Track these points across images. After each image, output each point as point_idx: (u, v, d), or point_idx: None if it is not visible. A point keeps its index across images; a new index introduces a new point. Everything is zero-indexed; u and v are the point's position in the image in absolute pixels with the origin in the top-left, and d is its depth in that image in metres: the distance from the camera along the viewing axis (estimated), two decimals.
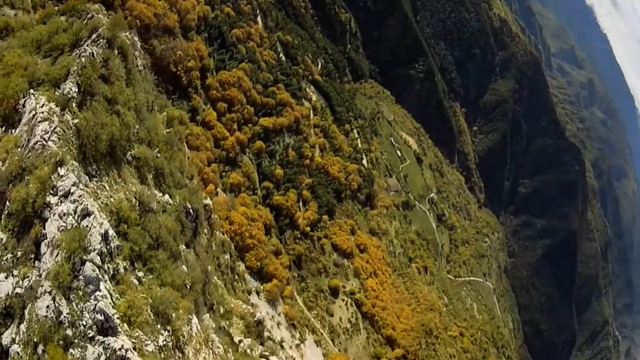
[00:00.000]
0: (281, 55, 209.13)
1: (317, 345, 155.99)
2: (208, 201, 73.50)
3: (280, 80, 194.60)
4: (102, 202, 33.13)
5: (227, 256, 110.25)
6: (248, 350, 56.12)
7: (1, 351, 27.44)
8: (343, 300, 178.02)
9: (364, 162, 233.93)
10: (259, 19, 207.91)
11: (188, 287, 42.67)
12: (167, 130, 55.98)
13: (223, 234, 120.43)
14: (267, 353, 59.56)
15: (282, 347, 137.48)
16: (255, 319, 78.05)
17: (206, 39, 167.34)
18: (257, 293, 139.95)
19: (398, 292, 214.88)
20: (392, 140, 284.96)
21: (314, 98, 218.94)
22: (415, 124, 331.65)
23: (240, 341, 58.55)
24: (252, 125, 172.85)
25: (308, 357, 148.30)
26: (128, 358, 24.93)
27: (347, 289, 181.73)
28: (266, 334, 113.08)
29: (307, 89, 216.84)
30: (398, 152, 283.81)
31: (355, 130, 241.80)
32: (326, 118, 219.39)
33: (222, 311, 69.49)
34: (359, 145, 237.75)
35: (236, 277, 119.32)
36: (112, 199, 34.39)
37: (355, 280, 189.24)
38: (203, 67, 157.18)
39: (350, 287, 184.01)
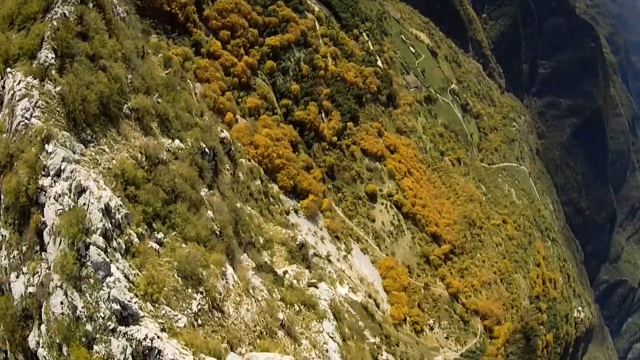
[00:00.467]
0: None
1: (364, 253, 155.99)
2: (225, 134, 70.01)
3: None
4: (104, 168, 29.91)
5: (258, 182, 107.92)
6: (295, 282, 53.97)
7: (30, 354, 25.39)
8: (382, 203, 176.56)
9: (379, 63, 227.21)
10: None
11: (217, 233, 39.77)
12: (166, 72, 52.09)
13: (249, 161, 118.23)
14: (314, 281, 57.48)
15: (329, 261, 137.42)
16: (297, 243, 76.08)
17: None
18: (295, 211, 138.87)
19: (435, 187, 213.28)
20: (403, 37, 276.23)
21: (316, 9, 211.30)
22: (423, 19, 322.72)
23: (285, 272, 56.47)
24: (259, 47, 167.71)
25: (357, 267, 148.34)
26: (156, 347, 22.24)
27: (384, 192, 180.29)
28: (311, 251, 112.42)
29: (308, 1, 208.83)
30: (411, 48, 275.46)
31: (364, 34, 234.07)
32: (333, 26, 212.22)
33: (261, 242, 67.36)
34: (371, 48, 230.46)
35: (271, 199, 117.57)
36: (114, 161, 31.16)
37: (391, 182, 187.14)
38: (197, 0, 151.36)
39: (387, 189, 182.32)
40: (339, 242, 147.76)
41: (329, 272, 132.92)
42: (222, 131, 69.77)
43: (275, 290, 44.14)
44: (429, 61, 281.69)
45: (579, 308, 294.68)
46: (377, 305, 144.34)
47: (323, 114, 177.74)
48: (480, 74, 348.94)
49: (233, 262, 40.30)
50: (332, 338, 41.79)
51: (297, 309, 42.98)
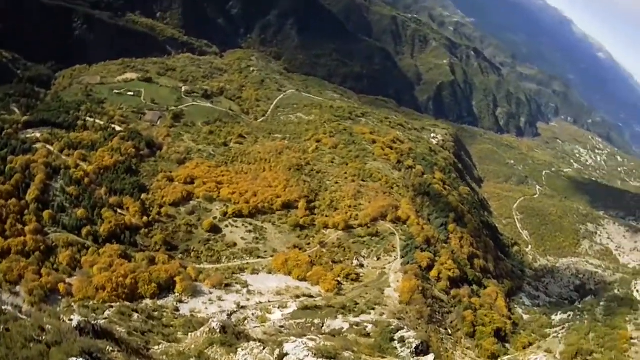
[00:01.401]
0: None
1: (257, 274, 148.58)
2: None
3: None
4: None
5: None
6: None
7: None
8: (227, 225, 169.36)
9: (118, 128, 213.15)
10: None
11: None
12: None
13: None
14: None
15: (243, 308, 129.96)
16: (219, 326, 68.18)
17: None
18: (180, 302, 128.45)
19: (247, 172, 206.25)
20: (116, 91, 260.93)
21: None
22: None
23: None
24: None
25: (265, 287, 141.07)
26: None
27: (218, 216, 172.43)
28: (232, 319, 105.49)
29: None
30: (128, 94, 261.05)
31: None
32: None
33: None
34: (101, 123, 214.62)
35: None
36: None
37: (214, 203, 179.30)
38: None
39: (219, 210, 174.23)
40: (231, 287, 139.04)
41: (251, 318, 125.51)
42: None
43: None
44: (149, 87, 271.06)
45: None
46: (312, 296, 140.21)
47: None
48: (193, 58, 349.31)
49: None
50: None
51: None
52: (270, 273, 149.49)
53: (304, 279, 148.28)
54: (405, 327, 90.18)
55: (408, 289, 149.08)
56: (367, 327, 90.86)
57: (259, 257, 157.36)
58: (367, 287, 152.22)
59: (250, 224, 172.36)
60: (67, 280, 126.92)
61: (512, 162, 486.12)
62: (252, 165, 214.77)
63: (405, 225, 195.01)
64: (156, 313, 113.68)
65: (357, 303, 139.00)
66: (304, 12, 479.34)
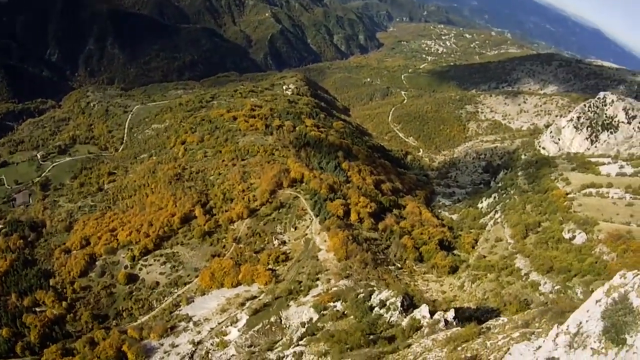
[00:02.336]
0: None
1: (194, 301, 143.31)
2: None
3: None
4: None
5: None
6: None
7: None
8: (140, 268, 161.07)
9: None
10: None
11: None
12: None
13: None
14: None
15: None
16: None
17: None
18: None
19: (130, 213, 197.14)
20: None
21: None
22: None
23: None
24: None
25: (208, 309, 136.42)
26: None
27: (128, 265, 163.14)
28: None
29: None
30: None
31: None
32: None
33: None
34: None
35: None
36: None
37: (123, 251, 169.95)
38: None
39: (125, 256, 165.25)
40: (177, 328, 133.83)
41: (212, 348, 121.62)
42: None
43: None
44: (6, 170, 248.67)
45: None
46: (255, 297, 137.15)
47: None
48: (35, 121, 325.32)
49: None
50: None
51: None
52: (204, 294, 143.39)
53: (238, 284, 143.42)
54: (375, 288, 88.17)
55: (339, 244, 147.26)
56: (335, 306, 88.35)
57: (185, 284, 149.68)
58: (300, 261, 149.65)
59: (161, 255, 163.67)
60: None
61: (369, 79, 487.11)
62: (135, 197, 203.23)
63: (304, 184, 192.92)
64: None
65: (299, 282, 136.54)
66: (117, 27, 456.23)
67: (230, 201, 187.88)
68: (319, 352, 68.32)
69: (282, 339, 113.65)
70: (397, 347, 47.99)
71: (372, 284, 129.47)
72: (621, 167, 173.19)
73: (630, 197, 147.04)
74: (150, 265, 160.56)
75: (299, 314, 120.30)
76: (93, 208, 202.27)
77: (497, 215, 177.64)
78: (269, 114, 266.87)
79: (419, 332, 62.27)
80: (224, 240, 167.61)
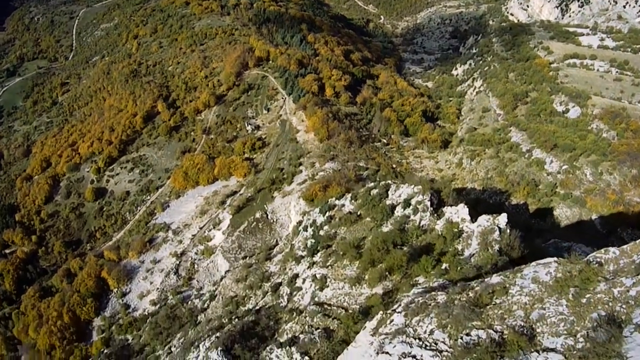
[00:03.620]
0: None
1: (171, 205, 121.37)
2: None
3: None
4: None
5: None
6: None
7: None
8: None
9: None
10: None
11: None
12: None
13: None
14: None
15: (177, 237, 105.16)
16: None
17: None
18: None
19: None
20: None
21: None
22: None
23: None
24: None
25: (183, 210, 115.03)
26: None
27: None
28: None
29: None
30: None
31: None
32: None
33: None
34: None
35: None
36: None
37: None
38: None
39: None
40: (156, 240, 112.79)
41: (196, 258, 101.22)
42: None
43: None
44: None
45: None
46: (235, 192, 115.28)
47: None
48: None
49: None
50: None
51: None
52: (179, 196, 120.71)
53: (214, 179, 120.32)
54: (390, 182, 65.11)
55: (319, 123, 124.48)
56: (343, 206, 66.44)
57: (157, 188, 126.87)
58: (279, 145, 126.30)
59: (127, 161, 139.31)
60: None
61: None
62: (91, 103, 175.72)
63: (271, 62, 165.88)
64: None
65: (281, 169, 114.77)
66: None
67: (193, 90, 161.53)
68: (350, 279, 46.99)
69: (274, 241, 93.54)
70: (481, 293, 25.17)
71: (361, 164, 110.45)
72: (602, 39, 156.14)
73: (617, 72, 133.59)
74: (117, 174, 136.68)
75: (285, 205, 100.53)
76: (50, 125, 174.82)
77: (477, 84, 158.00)
78: None
79: (461, 239, 40.65)
80: (192, 133, 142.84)
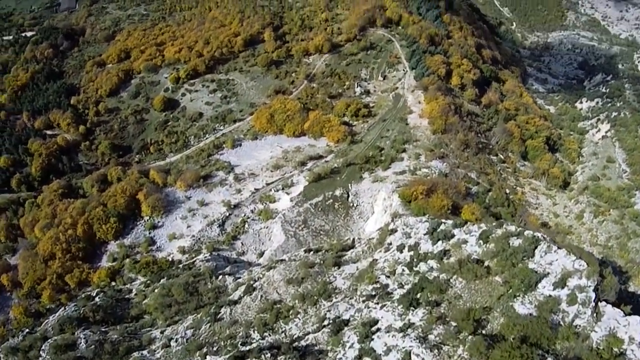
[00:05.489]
0: None
1: (241, 146, 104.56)
2: None
3: None
4: None
5: None
6: None
7: None
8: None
9: None
10: None
11: None
12: None
13: None
14: None
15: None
16: None
17: None
18: None
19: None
20: None
21: None
22: None
23: None
24: None
25: (249, 160, 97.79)
26: None
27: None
28: None
29: None
30: None
31: None
32: None
33: None
34: None
35: None
36: None
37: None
38: None
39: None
40: (212, 179, 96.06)
41: (251, 217, 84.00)
42: None
43: None
44: None
45: None
46: (320, 156, 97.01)
47: None
48: None
49: None
50: None
51: None
52: (256, 138, 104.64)
53: (302, 134, 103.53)
54: (539, 236, 45.29)
55: (438, 111, 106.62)
56: (465, 243, 46.87)
57: (235, 120, 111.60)
58: (386, 121, 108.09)
59: (212, 81, 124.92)
60: (11, 261, 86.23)
61: None
62: (195, 10, 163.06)
63: (400, 27, 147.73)
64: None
65: (381, 149, 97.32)
66: None
67: (309, 30, 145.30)
68: None
69: (349, 238, 75.33)
70: None
71: (472, 175, 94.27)
72: None
73: None
74: (196, 91, 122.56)
75: (373, 192, 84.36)
76: (144, 17, 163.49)
77: (602, 127, 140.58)
78: None
79: None
80: (293, 75, 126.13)
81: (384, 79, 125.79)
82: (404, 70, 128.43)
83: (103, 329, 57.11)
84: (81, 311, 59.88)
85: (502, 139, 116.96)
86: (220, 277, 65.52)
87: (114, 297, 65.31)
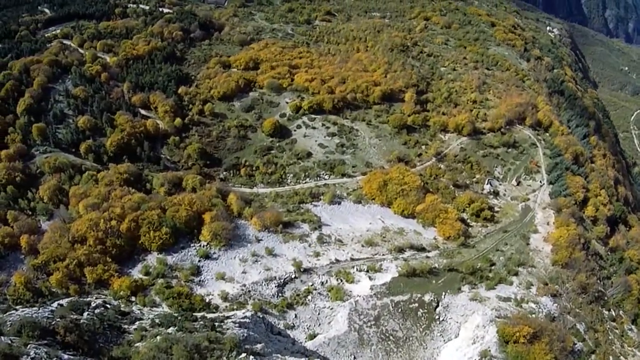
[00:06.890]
0: None
1: (339, 204, 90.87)
2: None
3: None
4: None
5: None
6: None
7: None
8: (298, 126, 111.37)
9: None
10: None
11: None
12: None
13: None
14: None
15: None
16: None
17: None
18: None
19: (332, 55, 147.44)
20: None
21: None
22: None
23: None
24: None
25: (352, 225, 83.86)
26: None
27: (302, 105, 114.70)
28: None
29: None
30: None
31: None
32: None
33: None
34: None
35: None
36: None
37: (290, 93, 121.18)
38: None
39: (306, 101, 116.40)
40: (293, 230, 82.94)
41: (317, 290, 69.95)
42: None
43: None
44: None
45: None
46: (423, 248, 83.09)
47: None
48: None
49: None
50: None
51: None
52: (359, 202, 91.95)
53: (411, 215, 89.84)
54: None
55: (565, 240, 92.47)
56: None
57: (343, 174, 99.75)
58: (507, 233, 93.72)
59: (335, 124, 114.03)
60: (42, 225, 79.22)
61: (626, 69, 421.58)
62: (342, 46, 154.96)
63: (548, 134, 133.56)
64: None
65: (492, 263, 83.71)
66: None
67: (453, 105, 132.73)
68: None
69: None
70: None
71: (580, 328, 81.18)
72: None
73: None
74: (313, 127, 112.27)
75: (466, 311, 71.81)
76: (288, 36, 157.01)
77: None
78: (530, 40, 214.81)
79: None
80: (423, 147, 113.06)
81: (517, 184, 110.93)
82: (541, 182, 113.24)
83: (66, 357, 42.39)
84: (52, 323, 45.83)
85: (618, 294, 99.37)
86: (244, 356, 48.58)
87: (109, 320, 51.38)
